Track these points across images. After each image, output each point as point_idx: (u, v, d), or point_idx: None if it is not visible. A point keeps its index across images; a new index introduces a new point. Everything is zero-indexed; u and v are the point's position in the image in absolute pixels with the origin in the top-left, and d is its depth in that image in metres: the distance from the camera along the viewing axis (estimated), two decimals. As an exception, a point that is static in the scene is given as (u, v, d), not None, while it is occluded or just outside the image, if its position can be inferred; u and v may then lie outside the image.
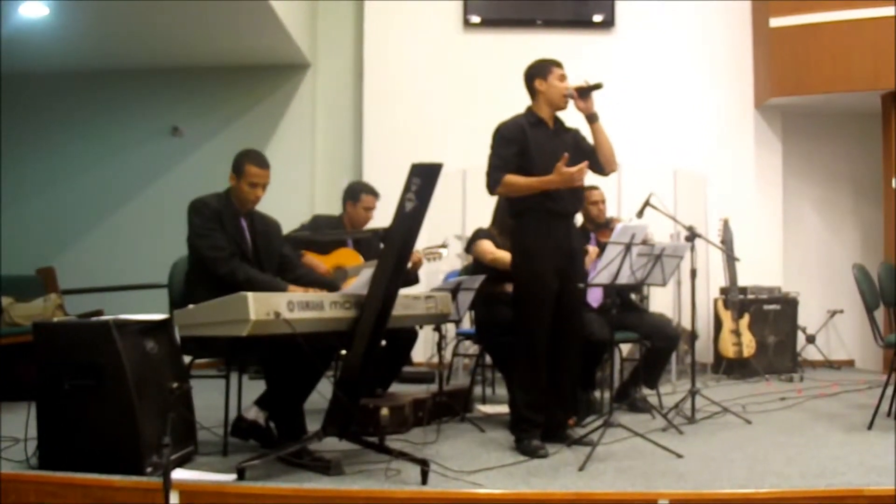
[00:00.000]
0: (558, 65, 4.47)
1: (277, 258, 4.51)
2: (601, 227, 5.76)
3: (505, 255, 5.10)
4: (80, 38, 7.65)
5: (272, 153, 4.48)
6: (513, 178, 4.28)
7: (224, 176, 4.46)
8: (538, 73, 4.47)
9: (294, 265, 4.63)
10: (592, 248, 5.42)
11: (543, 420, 4.37)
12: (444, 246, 5.74)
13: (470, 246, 5.47)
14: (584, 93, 4.37)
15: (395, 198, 3.63)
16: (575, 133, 4.56)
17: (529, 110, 4.51)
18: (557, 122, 4.53)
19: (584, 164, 4.27)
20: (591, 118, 4.43)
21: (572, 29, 8.48)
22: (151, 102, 8.80)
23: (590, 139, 4.51)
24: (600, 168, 4.51)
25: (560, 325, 4.39)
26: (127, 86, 8.76)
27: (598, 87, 4.36)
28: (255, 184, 4.30)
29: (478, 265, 5.43)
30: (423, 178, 3.54)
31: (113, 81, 8.76)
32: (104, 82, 8.76)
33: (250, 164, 4.30)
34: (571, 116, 4.51)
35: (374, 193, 5.74)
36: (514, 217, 4.54)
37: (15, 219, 8.63)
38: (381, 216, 4.56)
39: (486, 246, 5.27)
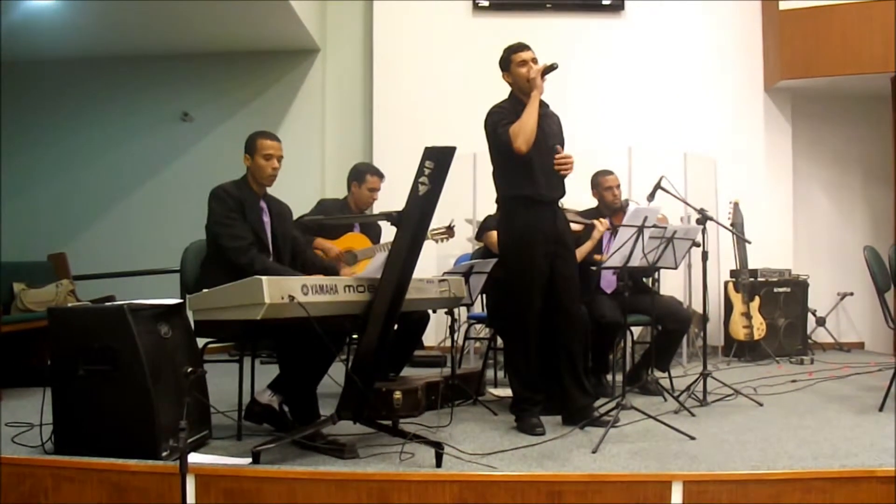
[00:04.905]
0: (519, 49, 4.51)
1: (290, 241, 4.55)
2: (617, 210, 5.76)
3: None
4: (89, 24, 7.65)
5: (282, 138, 4.50)
6: (514, 127, 4.32)
7: (234, 161, 4.48)
8: (503, 67, 4.57)
9: (302, 249, 4.66)
10: (604, 221, 5.45)
11: (541, 398, 4.45)
12: (450, 227, 5.75)
13: (480, 234, 5.52)
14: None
15: (405, 182, 3.63)
16: (558, 117, 4.66)
17: (512, 94, 4.59)
18: (542, 104, 4.52)
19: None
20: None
21: (581, 12, 8.45)
22: (161, 88, 8.81)
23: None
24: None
25: (555, 308, 4.45)
26: (137, 71, 8.77)
27: (553, 67, 4.41)
28: (270, 155, 4.38)
29: (487, 251, 5.46)
30: (437, 162, 3.53)
31: (122, 67, 8.77)
32: (114, 68, 8.77)
33: (261, 138, 4.41)
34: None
35: (380, 174, 5.76)
36: (500, 205, 4.60)
37: (25, 205, 8.68)
38: (391, 200, 4.55)
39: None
